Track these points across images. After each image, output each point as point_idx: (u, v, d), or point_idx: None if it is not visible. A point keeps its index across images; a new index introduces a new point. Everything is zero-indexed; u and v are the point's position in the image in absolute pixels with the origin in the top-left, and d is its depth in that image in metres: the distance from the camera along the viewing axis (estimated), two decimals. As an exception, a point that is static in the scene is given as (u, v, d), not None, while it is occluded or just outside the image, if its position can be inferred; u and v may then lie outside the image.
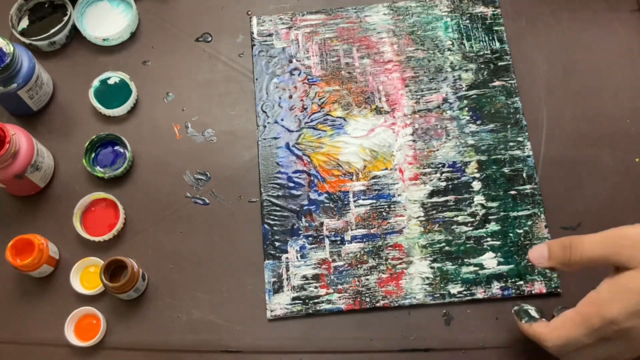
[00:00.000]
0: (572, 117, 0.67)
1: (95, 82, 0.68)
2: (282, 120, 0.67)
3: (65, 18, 0.70)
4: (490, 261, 0.62)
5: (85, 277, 0.62)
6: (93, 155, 0.66)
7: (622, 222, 0.62)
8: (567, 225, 0.63)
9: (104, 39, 0.69)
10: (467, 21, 0.70)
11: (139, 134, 0.67)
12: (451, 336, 0.59)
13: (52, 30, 0.69)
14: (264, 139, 0.67)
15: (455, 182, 0.64)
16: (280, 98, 0.68)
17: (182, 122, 0.68)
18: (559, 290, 0.60)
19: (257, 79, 0.69)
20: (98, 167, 0.66)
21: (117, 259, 0.58)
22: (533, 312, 0.53)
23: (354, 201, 0.64)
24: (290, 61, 0.70)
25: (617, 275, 0.46)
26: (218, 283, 0.62)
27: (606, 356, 0.47)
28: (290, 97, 0.68)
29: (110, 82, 0.68)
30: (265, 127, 0.67)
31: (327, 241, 0.63)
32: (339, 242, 0.62)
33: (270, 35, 0.71)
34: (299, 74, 0.69)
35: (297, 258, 0.62)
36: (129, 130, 0.67)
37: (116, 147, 0.67)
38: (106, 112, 0.67)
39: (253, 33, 0.71)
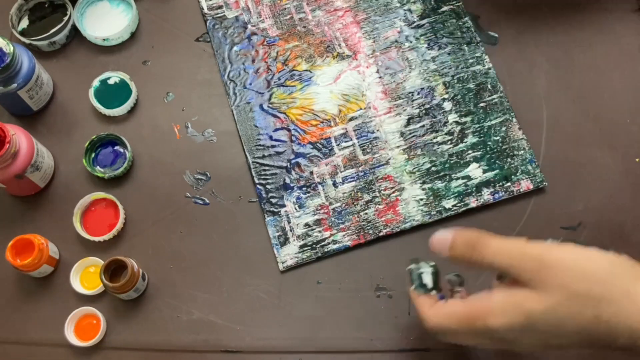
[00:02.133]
0: (572, 117, 0.67)
1: (95, 82, 0.68)
2: (250, 84, 0.68)
3: (65, 18, 0.70)
4: (475, 171, 0.64)
5: (85, 277, 0.62)
6: (93, 155, 0.66)
7: (622, 222, 0.63)
8: (567, 225, 0.63)
9: (104, 39, 0.69)
10: None
11: (139, 134, 0.67)
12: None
13: (52, 30, 0.69)
14: (237, 105, 0.67)
15: (427, 106, 0.67)
16: (244, 64, 0.69)
17: (182, 122, 0.68)
18: (545, 183, 0.64)
19: (217, 51, 0.70)
20: (98, 167, 0.66)
21: (117, 259, 0.58)
22: (426, 278, 0.50)
23: (337, 145, 0.66)
24: (245, 28, 0.71)
25: (514, 289, 0.44)
26: (218, 283, 0.62)
27: (477, 344, 0.47)
28: (253, 61, 0.69)
29: (110, 82, 0.68)
30: (235, 94, 0.68)
31: (320, 187, 0.64)
32: (332, 185, 0.64)
33: (220, 7, 0.72)
34: (257, 38, 0.70)
35: (295, 209, 0.63)
36: (129, 130, 0.67)
37: (116, 147, 0.67)
38: (106, 112, 0.67)
39: (203, 9, 0.71)
